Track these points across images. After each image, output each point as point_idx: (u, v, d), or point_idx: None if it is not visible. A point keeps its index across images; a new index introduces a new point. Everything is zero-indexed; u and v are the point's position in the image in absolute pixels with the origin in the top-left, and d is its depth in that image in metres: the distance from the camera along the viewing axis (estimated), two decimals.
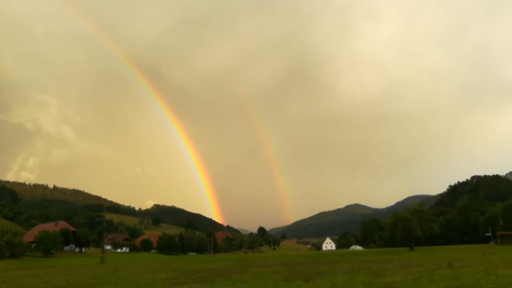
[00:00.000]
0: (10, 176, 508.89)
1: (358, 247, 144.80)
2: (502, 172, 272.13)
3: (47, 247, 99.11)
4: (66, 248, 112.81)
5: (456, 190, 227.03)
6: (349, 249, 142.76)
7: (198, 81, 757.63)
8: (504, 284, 17.34)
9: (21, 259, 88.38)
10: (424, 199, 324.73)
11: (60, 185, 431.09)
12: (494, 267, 26.39)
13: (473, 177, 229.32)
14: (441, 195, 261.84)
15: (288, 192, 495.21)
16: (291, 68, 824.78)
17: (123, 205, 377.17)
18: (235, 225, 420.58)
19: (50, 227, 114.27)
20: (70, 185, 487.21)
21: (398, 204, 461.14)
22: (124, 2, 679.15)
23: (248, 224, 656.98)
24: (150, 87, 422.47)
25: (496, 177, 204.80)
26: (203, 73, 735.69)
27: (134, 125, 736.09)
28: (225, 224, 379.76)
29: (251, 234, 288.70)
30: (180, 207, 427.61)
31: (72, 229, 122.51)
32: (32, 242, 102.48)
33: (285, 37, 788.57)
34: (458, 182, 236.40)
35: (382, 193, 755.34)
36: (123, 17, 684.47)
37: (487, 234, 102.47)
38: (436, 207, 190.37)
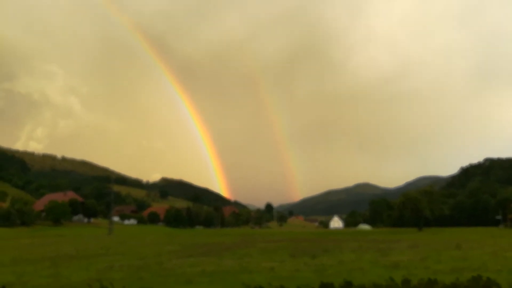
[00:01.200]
0: (19, 145, 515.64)
1: (366, 226, 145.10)
2: None
3: (56, 216, 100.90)
4: (75, 218, 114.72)
5: (468, 172, 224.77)
6: (356, 228, 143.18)
7: (206, 54, 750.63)
8: (511, 267, 16.92)
9: (32, 227, 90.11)
10: (435, 180, 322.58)
11: (68, 155, 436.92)
12: (502, 250, 26.10)
13: (485, 160, 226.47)
14: (452, 177, 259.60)
15: (296, 169, 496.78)
16: (301, 44, 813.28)
17: (131, 177, 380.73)
18: (242, 200, 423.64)
19: (59, 197, 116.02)
20: (78, 156, 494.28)
21: (408, 184, 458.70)
22: None
23: (255, 199, 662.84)
24: (158, 58, 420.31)
25: (510, 160, 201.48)
26: (211, 45, 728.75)
27: (141, 96, 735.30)
28: (232, 199, 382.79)
29: (258, 210, 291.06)
30: (188, 181, 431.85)
31: (80, 199, 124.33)
32: (42, 211, 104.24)
33: (295, 11, 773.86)
34: (470, 164, 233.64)
35: (392, 172, 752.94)
36: None
37: (497, 217, 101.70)
38: (447, 188, 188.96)
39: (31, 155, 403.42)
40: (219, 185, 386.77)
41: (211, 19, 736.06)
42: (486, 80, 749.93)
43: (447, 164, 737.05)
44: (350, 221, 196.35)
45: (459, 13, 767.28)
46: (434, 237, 48.97)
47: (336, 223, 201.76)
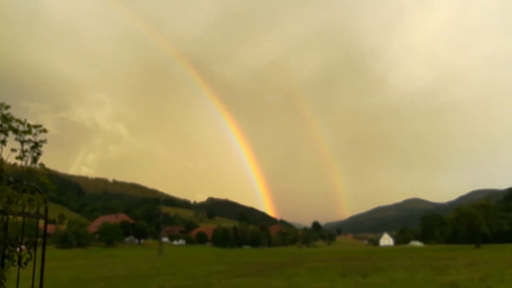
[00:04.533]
0: (72, 170, 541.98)
1: (418, 243, 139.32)
2: None
3: (109, 238, 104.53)
4: (126, 239, 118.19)
5: None
6: (408, 245, 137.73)
7: (245, 75, 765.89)
8: None
9: (87, 248, 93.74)
10: (491, 193, 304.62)
11: (119, 179, 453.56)
12: None
13: None
14: (510, 189, 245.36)
15: (342, 186, 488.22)
16: (338, 60, 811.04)
17: (179, 198, 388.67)
18: (288, 218, 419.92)
19: (111, 219, 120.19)
20: (128, 179, 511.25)
21: (461, 198, 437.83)
22: (168, 1, 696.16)
23: (302, 218, 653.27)
24: (199, 82, 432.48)
25: None
26: (250, 67, 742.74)
27: (185, 120, 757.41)
28: (278, 218, 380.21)
29: (305, 228, 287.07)
30: (234, 200, 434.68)
31: (131, 221, 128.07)
32: (95, 233, 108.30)
33: (331, 28, 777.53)
34: None
35: (443, 187, 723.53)
36: (168, 16, 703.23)
37: None
38: (504, 202, 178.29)
39: (85, 179, 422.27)
40: (265, 204, 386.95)
41: (248, 42, 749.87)
42: None
43: (503, 176, 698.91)
44: (401, 238, 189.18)
45: (501, 19, 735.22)
46: (494, 254, 46.18)
47: (386, 240, 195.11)
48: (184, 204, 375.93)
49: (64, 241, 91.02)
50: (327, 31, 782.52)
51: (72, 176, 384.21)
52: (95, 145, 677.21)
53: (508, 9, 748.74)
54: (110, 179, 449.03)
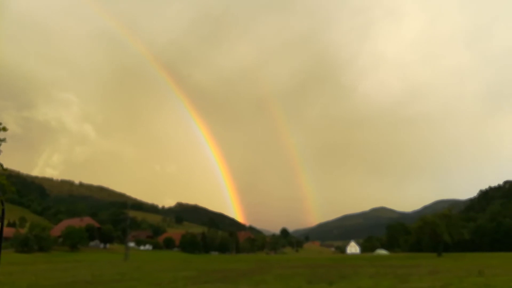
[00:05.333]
0: (36, 172, 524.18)
1: (383, 251, 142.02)
2: None
3: (73, 242, 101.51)
4: (91, 243, 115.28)
5: (487, 195, 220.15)
6: (374, 253, 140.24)
7: (218, 80, 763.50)
8: None
9: (49, 252, 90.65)
10: (453, 203, 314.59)
11: (85, 181, 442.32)
12: None
13: (505, 182, 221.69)
14: (471, 200, 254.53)
15: (311, 194, 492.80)
16: (311, 69, 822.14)
17: (147, 203, 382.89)
18: (257, 225, 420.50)
19: (76, 222, 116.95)
20: (95, 182, 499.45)
21: (426, 208, 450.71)
22: (143, 2, 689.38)
23: (270, 224, 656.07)
24: (171, 85, 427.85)
25: None
26: (223, 72, 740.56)
27: (156, 123, 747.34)
28: (247, 224, 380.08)
29: (274, 235, 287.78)
30: (203, 206, 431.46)
31: (97, 225, 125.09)
32: (59, 237, 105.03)
33: (305, 37, 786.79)
34: (490, 187, 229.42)
35: (409, 196, 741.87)
36: (142, 17, 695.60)
37: None
38: (465, 212, 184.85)
39: (49, 181, 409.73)
40: (234, 210, 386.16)
41: (223, 46, 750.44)
42: (498, 102, 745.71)
43: (464, 187, 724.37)
44: (367, 246, 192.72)
45: (468, 36, 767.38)
46: (454, 263, 47.62)
47: (352, 248, 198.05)
48: (152, 208, 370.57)
49: (24, 245, 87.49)
50: (301, 40, 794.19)
51: (36, 178, 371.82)
52: (60, 146, 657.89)
53: (474, 23, 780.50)
54: (76, 181, 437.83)
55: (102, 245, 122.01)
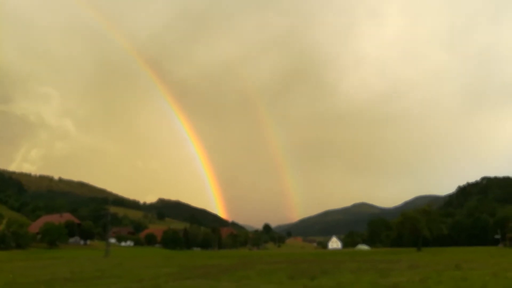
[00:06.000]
0: (13, 167, 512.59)
1: (364, 247, 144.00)
2: None
3: (52, 238, 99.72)
4: (71, 240, 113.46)
5: (465, 191, 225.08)
6: (355, 249, 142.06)
7: (201, 75, 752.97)
8: None
9: (27, 250, 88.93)
10: (433, 199, 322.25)
11: (65, 177, 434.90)
12: (502, 270, 25.87)
13: (482, 178, 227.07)
14: (450, 196, 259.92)
15: (293, 189, 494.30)
16: (294, 66, 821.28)
17: (128, 199, 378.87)
18: (240, 221, 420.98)
19: (56, 218, 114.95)
20: (75, 178, 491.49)
21: (406, 204, 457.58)
22: None
23: (253, 220, 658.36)
24: (153, 80, 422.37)
25: (507, 179, 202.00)
26: (206, 67, 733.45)
27: (138, 118, 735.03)
28: (230, 220, 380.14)
29: (256, 230, 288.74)
30: (185, 202, 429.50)
31: (77, 221, 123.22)
32: (37, 233, 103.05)
33: (287, 35, 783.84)
34: (468, 183, 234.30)
35: (390, 192, 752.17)
36: (125, 11, 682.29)
37: (496, 237, 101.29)
38: (444, 208, 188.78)
39: (28, 176, 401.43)
40: (217, 206, 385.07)
41: (206, 42, 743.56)
42: (477, 100, 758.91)
43: (444, 183, 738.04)
44: (349, 242, 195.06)
45: (447, 36, 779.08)
46: (433, 257, 48.58)
47: (334, 243, 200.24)
48: (133, 204, 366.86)
49: (1, 242, 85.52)
50: (284, 38, 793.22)
51: (13, 173, 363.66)
52: (39, 141, 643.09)
53: (452, 24, 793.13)
54: (56, 176, 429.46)
55: (82, 242, 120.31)
